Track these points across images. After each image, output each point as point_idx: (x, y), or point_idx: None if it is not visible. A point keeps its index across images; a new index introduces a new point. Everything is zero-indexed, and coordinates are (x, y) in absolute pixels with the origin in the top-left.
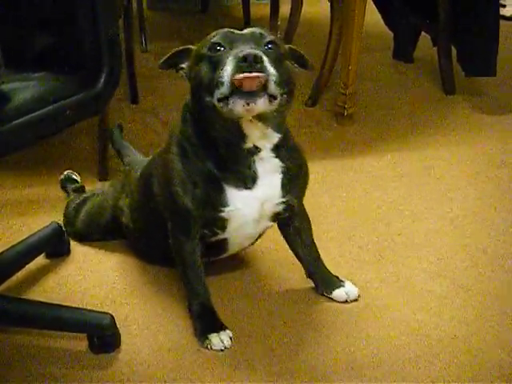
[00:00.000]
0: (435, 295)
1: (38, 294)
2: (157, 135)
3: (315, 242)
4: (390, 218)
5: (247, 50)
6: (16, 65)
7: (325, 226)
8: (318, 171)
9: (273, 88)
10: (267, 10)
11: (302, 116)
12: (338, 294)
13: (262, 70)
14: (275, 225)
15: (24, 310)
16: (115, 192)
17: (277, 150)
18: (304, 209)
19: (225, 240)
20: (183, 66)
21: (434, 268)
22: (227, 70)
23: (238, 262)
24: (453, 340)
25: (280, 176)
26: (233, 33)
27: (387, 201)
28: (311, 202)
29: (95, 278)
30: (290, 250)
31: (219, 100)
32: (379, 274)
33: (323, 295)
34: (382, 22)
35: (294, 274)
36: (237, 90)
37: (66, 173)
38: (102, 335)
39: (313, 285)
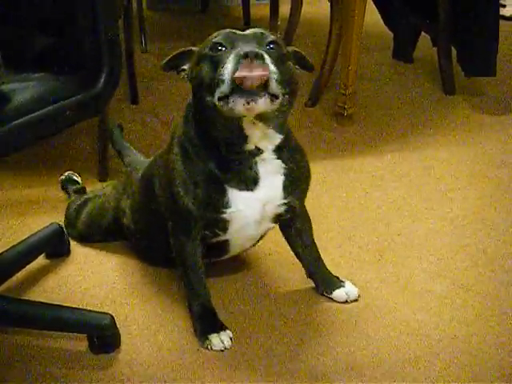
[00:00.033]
0: (435, 295)
1: (38, 294)
2: (157, 135)
3: (315, 242)
4: (390, 218)
5: (248, 48)
6: (16, 65)
7: (325, 226)
8: (318, 171)
9: (274, 87)
10: (267, 11)
11: (301, 116)
12: (338, 294)
13: (263, 67)
14: (276, 226)
15: (24, 311)
16: (116, 193)
17: (279, 151)
18: (305, 210)
19: (226, 241)
20: (185, 67)
21: (434, 268)
22: (228, 68)
23: (239, 262)
24: (453, 340)
25: (282, 177)
26: (234, 33)
27: (387, 201)
28: (311, 202)
29: (95, 278)
30: (289, 251)
31: (219, 99)
32: (379, 274)
33: (323, 295)
34: (381, 22)
35: (294, 275)
36: (237, 88)
37: (66, 174)
38: (102, 335)
39: (313, 285)
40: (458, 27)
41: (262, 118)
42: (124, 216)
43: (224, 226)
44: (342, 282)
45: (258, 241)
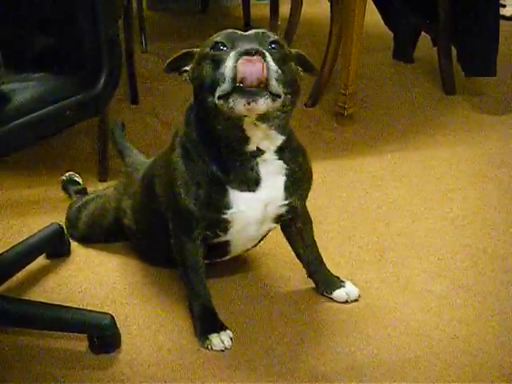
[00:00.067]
0: (435, 295)
1: (38, 294)
2: (157, 135)
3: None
4: (390, 218)
5: (249, 46)
6: (16, 65)
7: (325, 226)
8: (318, 171)
9: (275, 85)
10: (267, 11)
11: (302, 116)
12: (339, 294)
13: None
14: (277, 226)
15: (24, 311)
16: (117, 194)
17: (280, 151)
18: (307, 210)
19: (227, 242)
20: (187, 68)
21: (434, 268)
22: (228, 66)
23: (239, 263)
24: (453, 340)
25: (283, 178)
26: (236, 33)
27: (387, 201)
28: (311, 202)
29: (96, 278)
30: (290, 251)
31: (220, 97)
32: (379, 274)
33: (324, 295)
34: (381, 22)
35: (294, 275)
36: (238, 88)
37: (67, 174)
38: (103, 335)
39: (313, 285)
40: (458, 27)
41: (263, 118)
42: (125, 216)
43: (225, 226)
44: (343, 282)
45: (260, 241)
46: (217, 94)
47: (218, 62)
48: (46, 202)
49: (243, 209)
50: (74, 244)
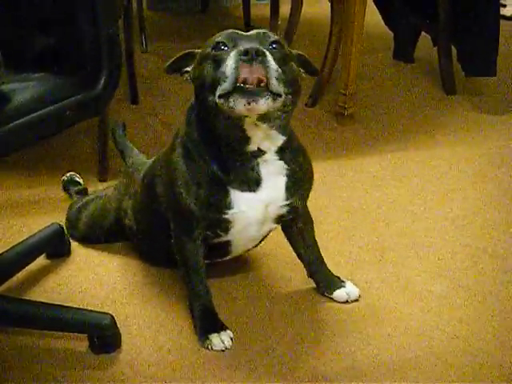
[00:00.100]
0: (435, 295)
1: (38, 294)
2: (157, 135)
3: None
4: (390, 218)
5: (250, 45)
6: (16, 65)
7: (325, 226)
8: (318, 171)
9: (275, 85)
10: (267, 11)
11: (302, 116)
12: (339, 294)
13: (264, 64)
14: (278, 227)
15: (24, 311)
16: (118, 194)
17: (281, 152)
18: (307, 210)
19: (228, 242)
20: (188, 69)
21: (434, 268)
22: (229, 65)
23: (240, 263)
24: (453, 340)
25: (284, 178)
26: (237, 33)
27: (387, 201)
28: (311, 202)
29: (96, 278)
30: (290, 251)
31: (220, 96)
32: (380, 274)
33: (324, 295)
34: (382, 22)
35: (295, 275)
36: (239, 88)
37: (68, 175)
38: (103, 335)
39: (314, 285)
40: (458, 27)
41: (264, 119)
42: (126, 217)
43: (226, 226)
44: (343, 282)
45: (260, 242)
46: (217, 94)
47: (219, 62)
48: (46, 202)
49: (244, 209)
50: (74, 244)
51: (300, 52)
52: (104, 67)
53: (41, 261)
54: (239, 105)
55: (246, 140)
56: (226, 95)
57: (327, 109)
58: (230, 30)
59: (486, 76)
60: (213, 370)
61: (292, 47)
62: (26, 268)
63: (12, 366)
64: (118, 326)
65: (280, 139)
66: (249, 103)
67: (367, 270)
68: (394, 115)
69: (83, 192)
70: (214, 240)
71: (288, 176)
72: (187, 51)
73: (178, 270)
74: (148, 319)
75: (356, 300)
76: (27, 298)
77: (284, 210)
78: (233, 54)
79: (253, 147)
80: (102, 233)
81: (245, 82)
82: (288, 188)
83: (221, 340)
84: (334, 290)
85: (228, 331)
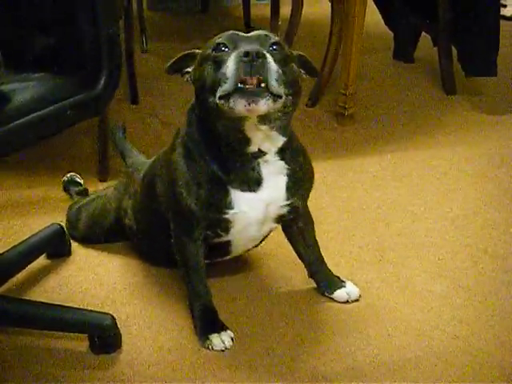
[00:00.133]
0: (436, 295)
1: (38, 294)
2: (157, 135)
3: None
4: (390, 218)
5: (250, 47)
6: (16, 65)
7: (325, 226)
8: (318, 171)
9: (275, 86)
10: (267, 11)
11: (302, 116)
12: (340, 294)
13: (264, 65)
14: (278, 226)
15: (25, 311)
16: (118, 194)
17: (281, 152)
18: (308, 210)
19: (228, 242)
20: (189, 69)
21: (434, 268)
22: (229, 67)
23: (240, 263)
24: (453, 340)
25: (285, 178)
26: (237, 34)
27: (387, 201)
28: (311, 202)
29: (96, 278)
30: (291, 251)
31: (221, 97)
32: (380, 274)
33: (324, 295)
34: (382, 22)
35: (295, 275)
36: (239, 88)
37: (69, 175)
38: (103, 336)
39: (314, 285)
40: (458, 27)
41: (264, 120)
42: (126, 216)
43: (226, 226)
44: (343, 282)
45: (261, 241)
46: (218, 95)
47: (219, 63)
48: (46, 202)
49: (245, 209)
50: (74, 244)
51: (301, 53)
52: (104, 67)
53: (41, 261)
54: (239, 105)
55: (247, 141)
56: (226, 96)
57: (327, 109)
58: (231, 32)
59: (487, 76)
60: (213, 370)
61: (292, 47)
62: (27, 268)
63: (12, 365)
64: (119, 326)
65: (280, 140)
66: (249, 104)
67: (367, 270)
68: (394, 115)
69: (83, 193)
70: (215, 240)
71: (288, 176)
72: (188, 52)
73: (178, 270)
74: (148, 319)
75: (356, 300)
76: (27, 298)
77: (284, 210)
78: (233, 55)
79: (253, 148)
80: (102, 233)
81: (245, 82)
82: (288, 188)
83: (221, 340)
84: (335, 290)
85: (228, 331)
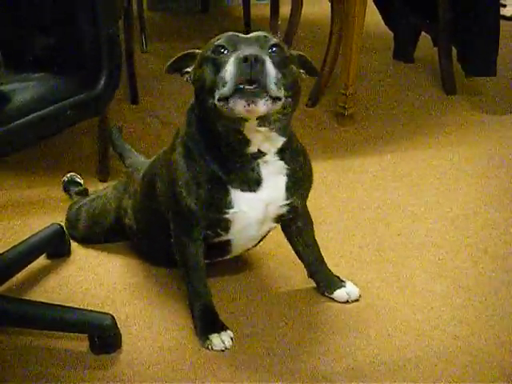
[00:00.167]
0: (436, 295)
1: (38, 294)
2: (157, 135)
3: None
4: (390, 218)
5: (249, 51)
6: (16, 65)
7: (325, 226)
8: (318, 171)
9: (274, 90)
10: (267, 11)
11: (302, 116)
12: (340, 294)
13: (263, 70)
14: (278, 226)
15: (25, 311)
16: (118, 193)
17: (281, 152)
18: (307, 210)
19: (228, 241)
20: (188, 69)
21: (434, 268)
22: (228, 71)
23: (240, 263)
24: (453, 340)
25: (284, 178)
26: (237, 36)
27: (387, 201)
28: (311, 202)
29: (96, 278)
30: (291, 251)
31: (219, 100)
32: (380, 274)
33: (324, 295)
34: (382, 22)
35: (295, 275)
36: (238, 89)
37: (69, 175)
38: (103, 336)
39: (314, 285)
40: (458, 27)
41: (264, 121)
42: (126, 216)
43: (226, 226)
44: (343, 282)
45: (260, 241)
46: (216, 97)
47: (218, 66)
48: (46, 202)
49: (244, 209)
50: (74, 244)
51: (300, 52)
52: (104, 67)
53: (41, 261)
54: (238, 106)
55: (246, 142)
56: (225, 99)
57: (327, 109)
58: (230, 33)
59: (487, 76)
60: (213, 370)
61: (292, 47)
62: (27, 268)
63: (12, 365)
64: (119, 326)
65: (280, 141)
66: (248, 104)
67: (367, 270)
68: (394, 115)
69: (83, 193)
70: (214, 239)
71: (288, 176)
72: (188, 51)
73: (178, 270)
74: (148, 319)
75: (356, 300)
76: (27, 298)
77: (284, 210)
78: (232, 59)
79: (253, 149)
80: (102, 233)
81: (243, 84)
82: (288, 188)
83: (221, 340)
84: (335, 290)
85: (228, 331)
